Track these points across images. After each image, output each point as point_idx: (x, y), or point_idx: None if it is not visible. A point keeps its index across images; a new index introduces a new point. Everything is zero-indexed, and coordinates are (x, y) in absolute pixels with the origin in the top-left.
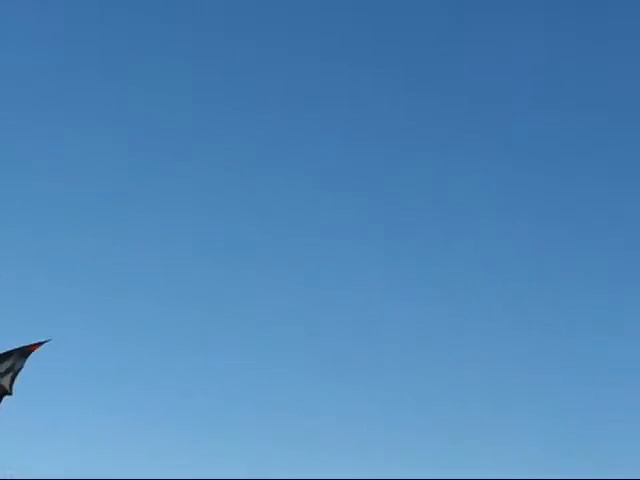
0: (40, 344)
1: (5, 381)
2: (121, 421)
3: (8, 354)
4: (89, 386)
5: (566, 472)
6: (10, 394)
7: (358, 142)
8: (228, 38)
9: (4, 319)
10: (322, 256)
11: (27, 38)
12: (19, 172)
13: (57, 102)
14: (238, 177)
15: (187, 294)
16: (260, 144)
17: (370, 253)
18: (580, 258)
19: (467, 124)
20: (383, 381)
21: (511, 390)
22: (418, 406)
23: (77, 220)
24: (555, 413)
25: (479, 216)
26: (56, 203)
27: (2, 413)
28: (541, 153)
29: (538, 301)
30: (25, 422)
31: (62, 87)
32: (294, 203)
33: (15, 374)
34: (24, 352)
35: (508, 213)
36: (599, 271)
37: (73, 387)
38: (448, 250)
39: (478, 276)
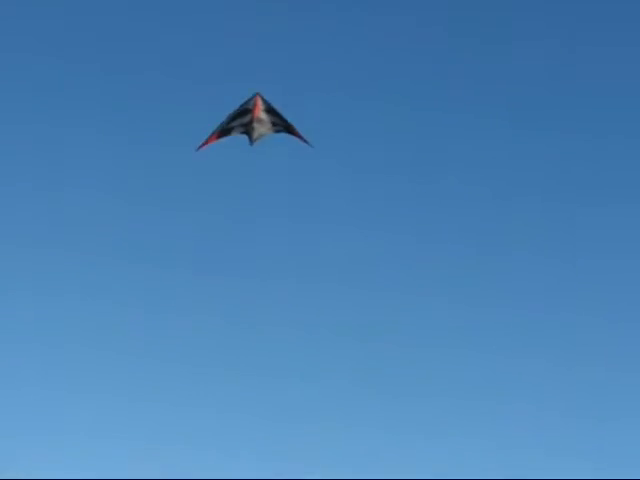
0: (305, 141)
1: (259, 130)
2: None
3: (283, 120)
4: None
5: None
6: (251, 144)
7: None
8: None
9: None
10: None
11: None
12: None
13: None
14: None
15: None
16: None
17: None
18: None
19: None
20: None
21: None
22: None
23: None
24: None
25: None
26: None
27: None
28: None
29: None
30: None
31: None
32: None
33: (263, 134)
34: (291, 129)
35: None
36: None
37: None
38: None
39: None
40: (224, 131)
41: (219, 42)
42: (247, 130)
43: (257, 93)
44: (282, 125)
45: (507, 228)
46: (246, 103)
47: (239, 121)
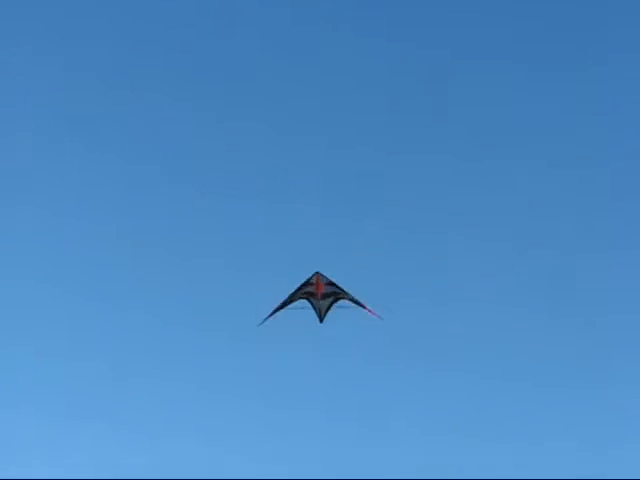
0: (374, 314)
1: (325, 305)
2: None
3: (345, 292)
4: None
5: None
6: (321, 321)
7: None
8: None
9: None
10: None
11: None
12: None
13: None
14: None
15: None
16: None
17: None
18: None
19: None
20: None
21: None
22: None
23: None
24: None
25: None
26: None
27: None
28: None
29: None
30: None
31: None
32: None
33: (329, 307)
34: (360, 304)
35: None
36: None
37: None
38: None
39: None
40: (286, 302)
41: None
42: (310, 299)
43: (317, 272)
44: (346, 297)
45: None
46: (307, 281)
47: (303, 290)
